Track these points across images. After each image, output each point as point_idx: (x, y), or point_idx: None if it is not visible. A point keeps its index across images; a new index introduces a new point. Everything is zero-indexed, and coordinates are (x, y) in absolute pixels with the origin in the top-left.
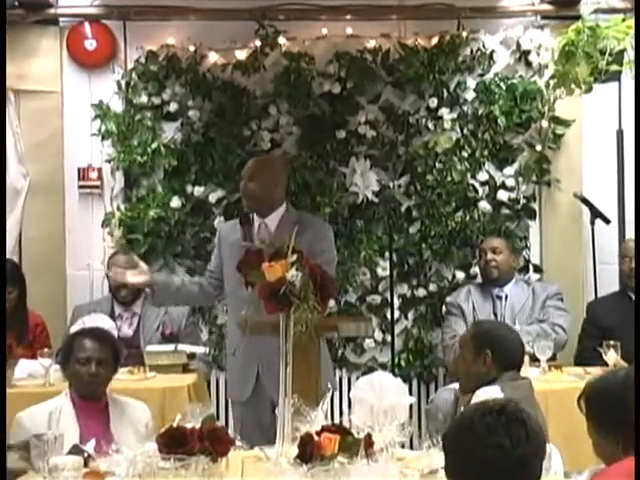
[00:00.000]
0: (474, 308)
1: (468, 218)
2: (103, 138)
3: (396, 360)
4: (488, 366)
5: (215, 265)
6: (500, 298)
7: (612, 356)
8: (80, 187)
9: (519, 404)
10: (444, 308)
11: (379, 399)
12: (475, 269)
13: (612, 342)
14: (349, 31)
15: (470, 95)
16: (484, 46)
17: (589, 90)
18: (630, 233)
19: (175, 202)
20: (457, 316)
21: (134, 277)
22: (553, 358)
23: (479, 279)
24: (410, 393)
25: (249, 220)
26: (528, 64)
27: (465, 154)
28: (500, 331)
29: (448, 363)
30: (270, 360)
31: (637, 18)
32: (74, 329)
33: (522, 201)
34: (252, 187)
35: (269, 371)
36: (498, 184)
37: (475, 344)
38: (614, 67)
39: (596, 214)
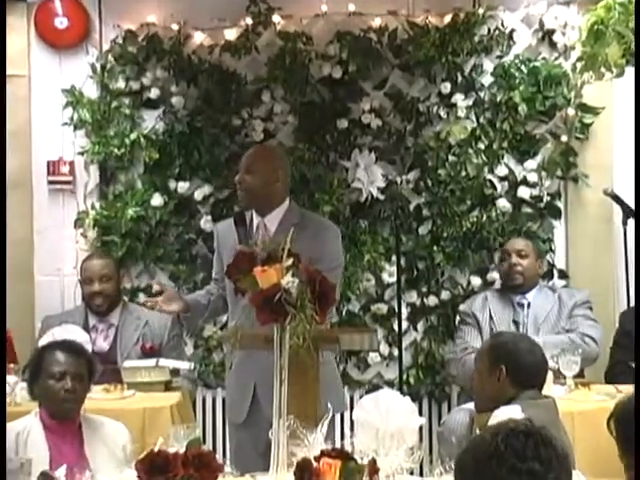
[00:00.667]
0: (491, 317)
1: (485, 218)
2: (75, 128)
3: (404, 377)
4: (503, 383)
5: (217, 271)
6: (522, 306)
7: None
8: (50, 183)
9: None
10: (457, 317)
11: (385, 421)
12: (493, 274)
13: None
14: (351, 8)
15: (487, 80)
16: (503, 25)
17: (621, 74)
18: None
19: (156, 200)
20: (471, 326)
21: (169, 306)
22: (580, 374)
23: (497, 285)
24: (420, 414)
25: (244, 219)
26: (552, 45)
27: (482, 146)
28: (519, 344)
29: (458, 379)
30: (269, 377)
31: (637, 18)
32: (43, 342)
33: (546, 199)
34: (249, 181)
35: (268, 389)
36: (519, 179)
37: (490, 358)
38: None
39: (629, 213)
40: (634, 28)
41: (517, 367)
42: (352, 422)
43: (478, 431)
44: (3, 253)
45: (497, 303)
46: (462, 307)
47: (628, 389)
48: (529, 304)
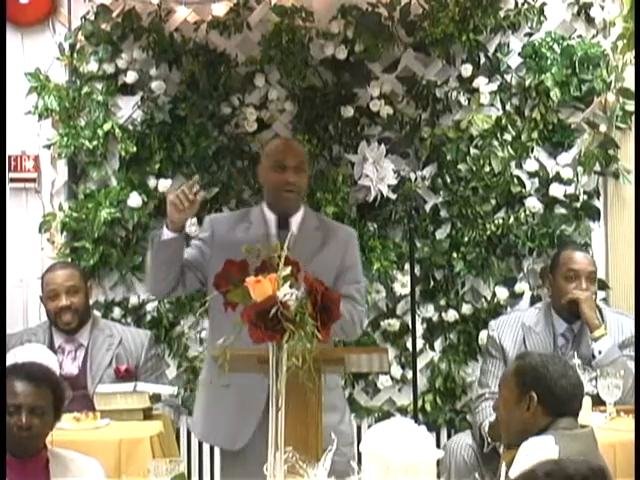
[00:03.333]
0: (525, 348)
1: (512, 220)
2: (41, 117)
3: (419, 403)
4: (534, 413)
5: (194, 259)
6: (567, 339)
7: None
8: (11, 180)
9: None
10: (481, 341)
11: (397, 453)
12: (521, 285)
13: None
14: None
15: (514, 61)
16: None
17: None
18: None
19: (134, 200)
20: (496, 360)
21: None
22: (624, 401)
23: (539, 304)
24: (437, 445)
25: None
26: (589, 20)
27: (508, 137)
28: (549, 367)
29: (476, 429)
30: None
31: (637, 18)
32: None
33: (582, 197)
34: (301, 182)
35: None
36: (551, 176)
37: (518, 384)
38: None
39: None
40: (634, 27)
41: (549, 393)
42: (360, 455)
43: (504, 469)
44: (3, 253)
45: (535, 331)
46: (491, 332)
47: None
48: (575, 336)
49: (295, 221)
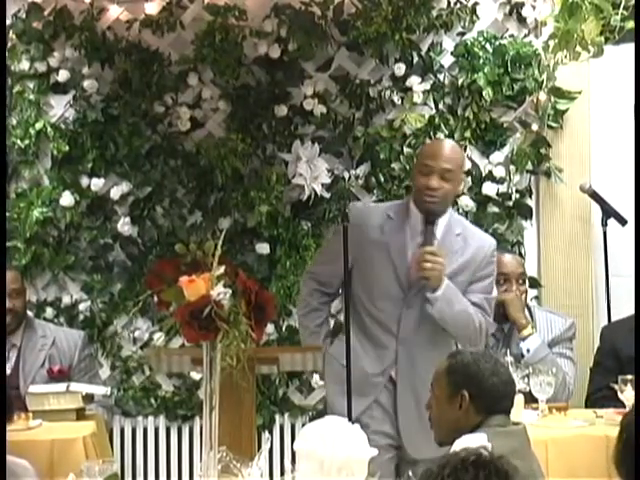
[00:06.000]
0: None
1: None
2: None
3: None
4: (466, 411)
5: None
6: (497, 338)
7: (630, 394)
8: None
9: (502, 454)
10: None
11: (331, 451)
12: None
13: (629, 377)
14: None
15: (447, 60)
16: None
17: (599, 53)
18: None
19: (66, 199)
20: None
21: None
22: (555, 398)
23: None
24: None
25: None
26: (521, 20)
27: (441, 136)
28: (481, 365)
29: None
30: None
31: (637, 18)
32: None
33: (514, 196)
34: (447, 189)
35: None
36: (484, 174)
37: (450, 382)
38: (630, 24)
39: (609, 213)
40: (634, 27)
41: (481, 391)
42: (293, 454)
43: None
44: (3, 253)
45: None
46: None
47: (609, 413)
48: (505, 336)
49: (440, 223)
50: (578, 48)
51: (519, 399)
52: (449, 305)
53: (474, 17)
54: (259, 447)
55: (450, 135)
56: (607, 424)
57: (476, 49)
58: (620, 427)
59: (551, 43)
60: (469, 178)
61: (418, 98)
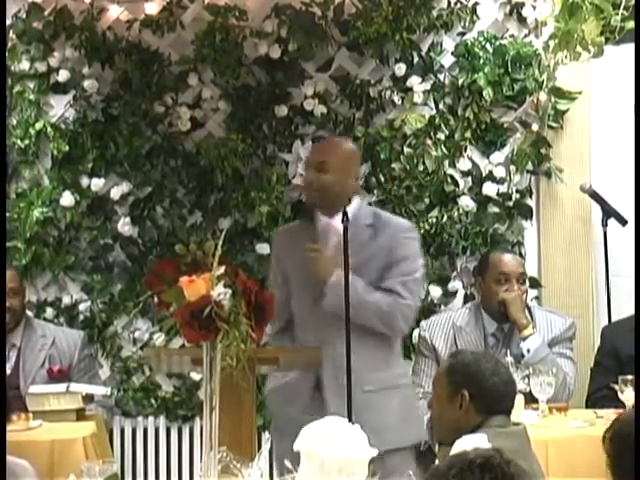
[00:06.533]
0: (457, 347)
1: (446, 219)
2: None
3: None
4: (467, 411)
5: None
6: (497, 338)
7: (630, 394)
8: None
9: (507, 456)
10: (415, 340)
11: (331, 452)
12: (455, 284)
13: (630, 377)
14: None
15: (447, 60)
16: None
17: (599, 53)
18: None
19: (67, 199)
20: (428, 359)
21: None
22: (555, 398)
23: (469, 305)
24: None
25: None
26: (521, 20)
27: (441, 136)
28: (482, 365)
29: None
30: None
31: (637, 18)
32: None
33: (515, 196)
34: (324, 180)
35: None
36: (484, 174)
37: (450, 383)
38: (630, 24)
39: (609, 213)
40: (634, 27)
41: (481, 391)
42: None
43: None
44: (3, 253)
45: (466, 331)
46: (422, 332)
47: (609, 414)
48: (506, 335)
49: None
50: (578, 48)
51: (519, 399)
52: (339, 297)
53: (474, 17)
54: (259, 447)
55: (451, 135)
56: (607, 424)
57: (476, 49)
58: (612, 430)
59: (551, 43)
60: (469, 178)
61: (418, 98)
